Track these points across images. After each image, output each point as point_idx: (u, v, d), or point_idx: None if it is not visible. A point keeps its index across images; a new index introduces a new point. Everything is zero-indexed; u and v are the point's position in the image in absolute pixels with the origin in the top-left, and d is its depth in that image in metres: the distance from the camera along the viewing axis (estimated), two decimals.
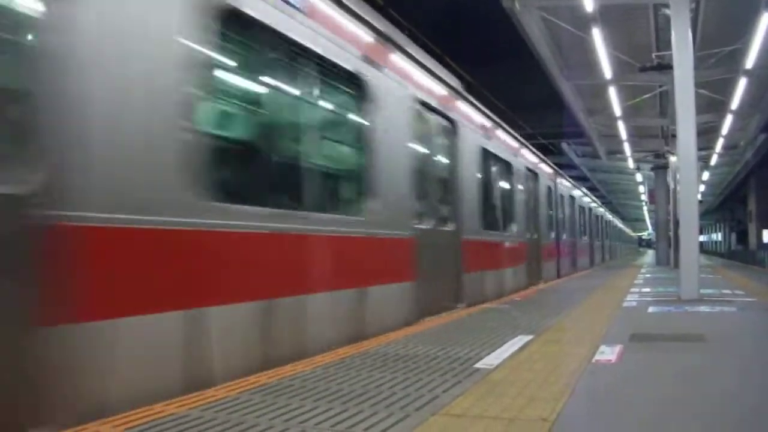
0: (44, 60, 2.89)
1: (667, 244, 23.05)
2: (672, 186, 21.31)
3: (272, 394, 3.41)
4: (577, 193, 21.08)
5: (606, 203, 41.16)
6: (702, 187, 33.04)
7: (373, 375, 3.89)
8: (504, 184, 11.25)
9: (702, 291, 8.73)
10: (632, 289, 10.97)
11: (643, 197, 37.78)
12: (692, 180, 9.15)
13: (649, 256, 42.61)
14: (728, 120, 18.36)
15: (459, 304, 8.02)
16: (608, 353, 4.51)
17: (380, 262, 6.09)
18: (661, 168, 24.67)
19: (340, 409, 3.09)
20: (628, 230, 58.68)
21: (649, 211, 42.62)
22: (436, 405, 3.15)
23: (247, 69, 4.70)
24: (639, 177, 31.21)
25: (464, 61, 13.71)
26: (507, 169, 11.32)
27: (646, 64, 13.81)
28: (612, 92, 16.00)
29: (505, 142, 11.31)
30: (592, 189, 36.05)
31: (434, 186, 7.66)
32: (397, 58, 6.67)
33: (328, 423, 2.86)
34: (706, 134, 19.02)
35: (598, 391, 3.50)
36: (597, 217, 27.54)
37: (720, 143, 21.79)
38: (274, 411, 3.06)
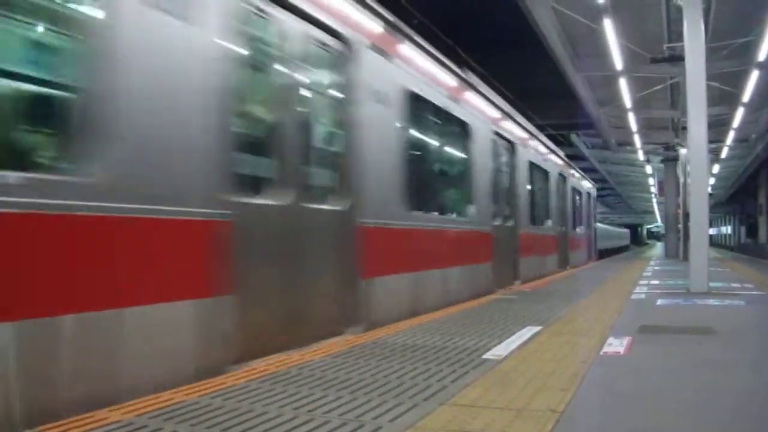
0: (350, 136, 5.38)
1: (676, 236, 22.95)
2: (682, 178, 21.16)
3: (281, 382, 3.43)
4: (588, 185, 21.24)
5: (614, 195, 40.97)
6: (712, 180, 32.81)
7: (381, 364, 3.90)
8: (543, 189, 13.79)
9: (711, 284, 8.68)
10: (641, 281, 10.94)
11: (653, 189, 37.52)
12: (702, 172, 9.09)
13: (658, 248, 42.37)
14: (740, 113, 18.16)
15: (516, 281, 10.35)
16: (617, 345, 4.51)
17: (476, 247, 8.79)
18: (671, 160, 24.50)
19: (349, 398, 3.11)
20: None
21: (658, 203, 42.31)
22: (445, 395, 3.15)
23: (432, 135, 7.92)
24: (649, 169, 31.02)
25: (474, 50, 13.60)
26: (545, 176, 13.88)
27: (657, 55, 13.67)
28: (623, 83, 15.88)
29: (544, 155, 13.75)
30: (601, 180, 35.91)
31: (501, 192, 10.04)
32: (483, 104, 9.16)
33: (336, 412, 2.87)
34: (717, 127, 18.84)
35: (607, 382, 3.50)
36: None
37: (731, 136, 21.60)
38: (282, 399, 3.08)
